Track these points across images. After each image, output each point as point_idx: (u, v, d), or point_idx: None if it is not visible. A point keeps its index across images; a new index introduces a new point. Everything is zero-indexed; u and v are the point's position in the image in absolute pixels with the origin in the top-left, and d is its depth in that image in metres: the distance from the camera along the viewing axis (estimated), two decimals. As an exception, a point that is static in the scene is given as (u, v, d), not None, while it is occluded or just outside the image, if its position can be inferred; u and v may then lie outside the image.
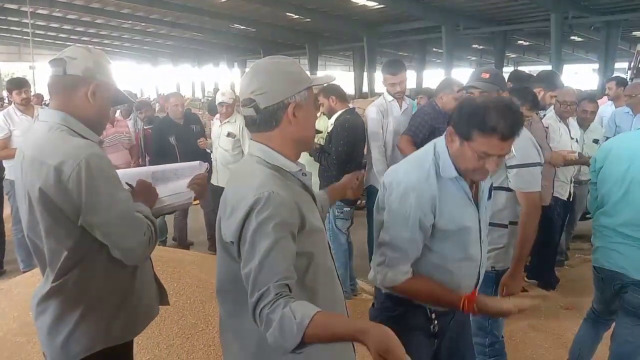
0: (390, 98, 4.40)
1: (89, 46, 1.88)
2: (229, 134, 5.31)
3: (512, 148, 1.95)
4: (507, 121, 1.76)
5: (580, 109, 4.90)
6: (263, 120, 1.54)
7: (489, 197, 2.09)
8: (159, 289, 2.09)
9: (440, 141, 1.95)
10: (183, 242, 5.96)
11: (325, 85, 4.44)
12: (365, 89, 25.22)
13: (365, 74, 25.45)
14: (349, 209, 4.42)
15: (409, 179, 1.91)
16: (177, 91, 9.82)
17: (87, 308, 1.77)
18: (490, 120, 1.75)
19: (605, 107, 6.40)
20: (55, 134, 1.73)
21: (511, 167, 2.64)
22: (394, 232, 1.92)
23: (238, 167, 1.76)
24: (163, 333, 2.96)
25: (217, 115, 5.66)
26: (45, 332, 1.79)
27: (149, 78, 40.79)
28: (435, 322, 2.05)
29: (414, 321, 2.04)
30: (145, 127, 6.12)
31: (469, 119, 1.80)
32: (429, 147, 1.99)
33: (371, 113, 4.42)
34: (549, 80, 4.57)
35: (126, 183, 1.95)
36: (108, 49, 34.85)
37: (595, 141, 4.98)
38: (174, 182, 2.11)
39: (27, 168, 1.73)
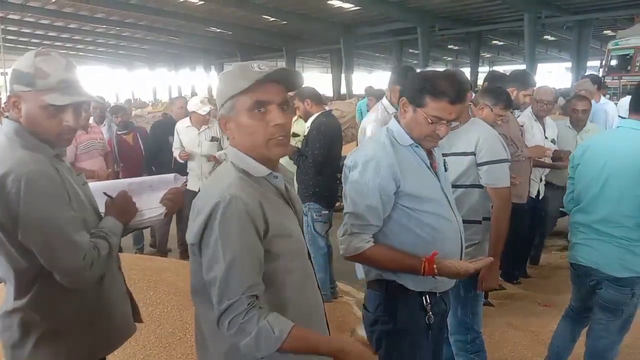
0: (392, 110, 3.70)
1: (30, 52, 1.74)
2: (212, 139, 5.30)
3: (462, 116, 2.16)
4: (455, 86, 1.97)
5: (570, 107, 4.82)
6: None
7: (445, 169, 2.23)
8: (132, 306, 2.04)
9: (391, 121, 2.14)
10: (163, 248, 5.87)
11: (300, 88, 4.33)
12: (343, 90, 25.31)
13: (343, 75, 25.54)
14: (327, 212, 4.39)
15: (367, 152, 2.07)
16: (165, 96, 9.65)
17: (50, 326, 1.73)
18: (440, 86, 1.96)
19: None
20: (7, 145, 1.70)
21: (481, 164, 2.74)
22: (355, 201, 2.02)
23: (214, 171, 1.76)
24: (140, 343, 2.90)
25: (186, 121, 5.45)
26: (9, 348, 1.77)
27: (124, 83, 40.27)
28: (430, 313, 2.10)
29: (411, 319, 2.08)
30: (118, 133, 6.01)
31: (421, 86, 1.99)
32: (382, 129, 2.18)
33: (375, 129, 3.62)
34: (522, 79, 4.60)
35: (104, 193, 1.89)
36: (82, 53, 34.39)
37: None
38: (149, 195, 2.04)
39: None
